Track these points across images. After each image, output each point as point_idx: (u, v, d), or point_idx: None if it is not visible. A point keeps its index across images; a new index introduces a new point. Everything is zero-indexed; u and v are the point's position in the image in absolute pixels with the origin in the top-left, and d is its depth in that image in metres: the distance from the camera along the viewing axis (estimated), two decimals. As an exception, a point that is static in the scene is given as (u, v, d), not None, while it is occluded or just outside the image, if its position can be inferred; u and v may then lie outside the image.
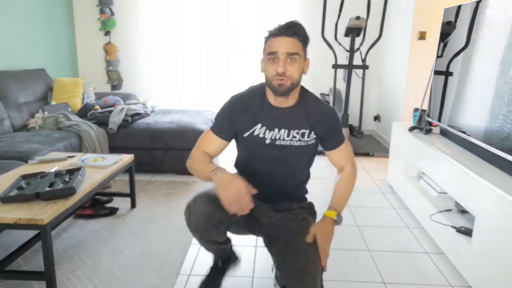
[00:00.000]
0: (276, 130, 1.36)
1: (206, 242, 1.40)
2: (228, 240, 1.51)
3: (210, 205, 1.27)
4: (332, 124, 1.40)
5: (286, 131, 1.36)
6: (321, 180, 2.79)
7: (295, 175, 1.46)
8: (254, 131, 1.38)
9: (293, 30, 1.25)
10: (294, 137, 1.36)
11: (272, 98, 1.36)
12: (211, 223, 1.28)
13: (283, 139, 1.36)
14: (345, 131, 3.84)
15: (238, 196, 1.15)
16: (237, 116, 1.39)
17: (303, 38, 1.28)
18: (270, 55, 1.26)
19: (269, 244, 1.40)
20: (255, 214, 1.42)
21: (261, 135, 1.37)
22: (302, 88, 1.41)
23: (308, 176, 1.54)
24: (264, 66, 1.32)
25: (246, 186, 1.18)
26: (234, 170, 1.54)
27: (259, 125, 1.37)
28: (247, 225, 1.42)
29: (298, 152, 1.38)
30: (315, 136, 1.38)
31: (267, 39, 1.30)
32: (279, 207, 1.46)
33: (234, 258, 1.66)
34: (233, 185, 1.17)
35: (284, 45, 1.24)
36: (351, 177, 1.44)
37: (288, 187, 1.47)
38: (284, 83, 1.26)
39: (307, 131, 1.36)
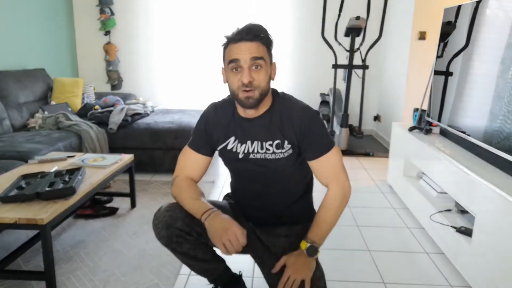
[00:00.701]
0: (249, 143, 1.25)
1: (184, 257, 1.27)
2: (217, 259, 1.38)
3: (170, 212, 1.21)
4: (306, 127, 1.21)
5: (259, 143, 1.24)
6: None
7: (285, 192, 1.32)
8: (227, 144, 1.28)
9: (254, 33, 1.12)
10: (267, 149, 1.23)
11: (241, 110, 1.25)
12: (173, 231, 1.20)
13: (257, 152, 1.24)
14: (345, 131, 3.84)
15: (235, 243, 1.08)
16: (210, 129, 1.30)
17: (266, 40, 1.16)
18: (231, 64, 1.13)
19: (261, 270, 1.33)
20: (245, 250, 1.33)
21: (234, 149, 1.27)
22: (275, 92, 1.28)
23: (306, 192, 1.39)
24: (227, 76, 1.18)
25: (242, 231, 1.10)
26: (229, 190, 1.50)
27: (232, 138, 1.27)
28: None
29: (276, 166, 1.25)
30: (290, 145, 1.23)
31: (226, 45, 1.17)
32: (277, 232, 1.35)
33: (239, 282, 1.50)
34: (229, 232, 1.08)
35: (247, 50, 1.11)
36: (335, 201, 1.23)
37: (280, 207, 1.34)
38: (252, 95, 1.14)
39: (280, 141, 1.23)
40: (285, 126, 1.23)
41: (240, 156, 1.27)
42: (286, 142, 1.23)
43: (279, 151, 1.23)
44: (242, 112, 1.26)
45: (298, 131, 1.22)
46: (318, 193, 1.41)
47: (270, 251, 1.32)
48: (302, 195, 1.38)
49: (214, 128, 1.30)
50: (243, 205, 1.41)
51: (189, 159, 1.32)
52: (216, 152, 1.37)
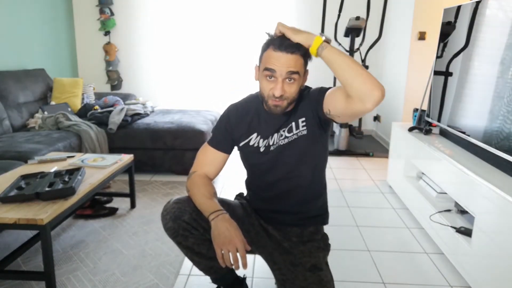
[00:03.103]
0: (270, 137, 1.30)
1: (189, 252, 1.29)
2: None
3: (179, 204, 1.25)
4: (317, 91, 1.23)
5: (278, 134, 1.29)
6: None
7: (299, 184, 1.32)
8: (249, 140, 1.33)
9: (296, 45, 1.12)
10: (281, 135, 1.28)
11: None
12: (180, 224, 1.23)
13: (276, 144, 1.29)
14: (345, 132, 3.84)
15: (234, 256, 1.09)
16: (232, 126, 1.34)
17: (305, 53, 1.15)
18: (267, 71, 1.15)
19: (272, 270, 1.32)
20: (253, 249, 1.36)
21: (255, 145, 1.31)
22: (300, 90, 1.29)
23: (320, 190, 1.39)
24: (260, 78, 1.21)
25: (245, 244, 1.11)
26: (243, 188, 1.50)
27: (255, 135, 1.32)
28: None
29: (290, 150, 1.27)
30: (304, 124, 1.24)
31: (266, 48, 1.17)
32: (289, 232, 1.35)
33: (242, 285, 1.51)
34: (231, 243, 1.09)
35: (285, 63, 1.12)
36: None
37: (295, 201, 1.35)
38: (280, 104, 1.18)
39: (293, 123, 1.26)
40: (302, 109, 1.25)
41: (262, 149, 1.31)
42: (300, 121, 1.25)
43: (290, 134, 1.27)
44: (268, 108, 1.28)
45: (313, 101, 1.23)
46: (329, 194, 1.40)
47: (281, 248, 1.32)
48: (317, 192, 1.38)
49: (236, 125, 1.34)
50: (257, 200, 1.42)
51: (207, 156, 1.37)
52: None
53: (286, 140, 1.27)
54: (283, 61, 1.12)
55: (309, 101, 1.25)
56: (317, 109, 1.22)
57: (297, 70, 1.14)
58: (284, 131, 1.28)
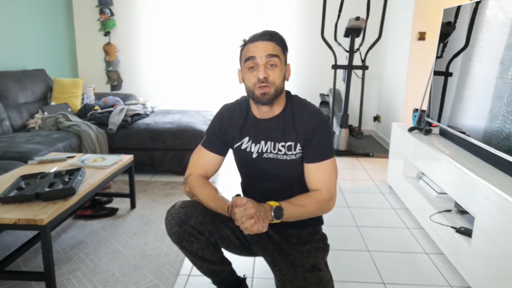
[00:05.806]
0: (263, 142, 1.28)
1: (192, 256, 1.29)
2: (224, 262, 1.40)
3: (185, 209, 1.23)
4: (312, 130, 1.25)
5: (272, 143, 1.28)
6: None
7: (295, 193, 1.28)
8: (241, 144, 1.32)
9: (270, 34, 1.20)
10: (279, 150, 1.26)
11: (256, 110, 1.29)
12: (186, 229, 1.22)
13: (270, 152, 1.28)
14: (345, 132, 3.84)
15: (259, 227, 1.08)
16: (224, 128, 1.33)
17: (281, 42, 1.22)
18: (248, 61, 1.20)
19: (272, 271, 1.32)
20: (254, 250, 1.36)
21: (248, 149, 1.30)
22: (288, 94, 1.32)
23: None
24: (243, 75, 1.24)
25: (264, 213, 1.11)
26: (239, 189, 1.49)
27: (246, 138, 1.31)
28: (242, 246, 1.35)
29: (287, 167, 1.27)
30: (301, 148, 1.27)
31: (243, 47, 1.24)
32: (287, 234, 1.34)
33: (242, 286, 1.52)
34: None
35: (263, 48, 1.18)
36: (322, 199, 1.23)
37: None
38: (267, 91, 1.18)
39: (293, 143, 1.26)
40: (297, 125, 1.26)
41: (254, 155, 1.30)
42: (298, 144, 1.26)
43: (290, 152, 1.26)
44: (256, 112, 1.29)
45: (308, 129, 1.25)
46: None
47: (280, 249, 1.32)
48: None
49: (229, 127, 1.33)
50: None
51: (202, 158, 1.36)
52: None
53: (284, 157, 1.27)
54: (261, 46, 1.19)
55: (306, 130, 1.25)
56: (304, 144, 1.26)
57: (276, 53, 1.19)
58: (283, 146, 1.27)
